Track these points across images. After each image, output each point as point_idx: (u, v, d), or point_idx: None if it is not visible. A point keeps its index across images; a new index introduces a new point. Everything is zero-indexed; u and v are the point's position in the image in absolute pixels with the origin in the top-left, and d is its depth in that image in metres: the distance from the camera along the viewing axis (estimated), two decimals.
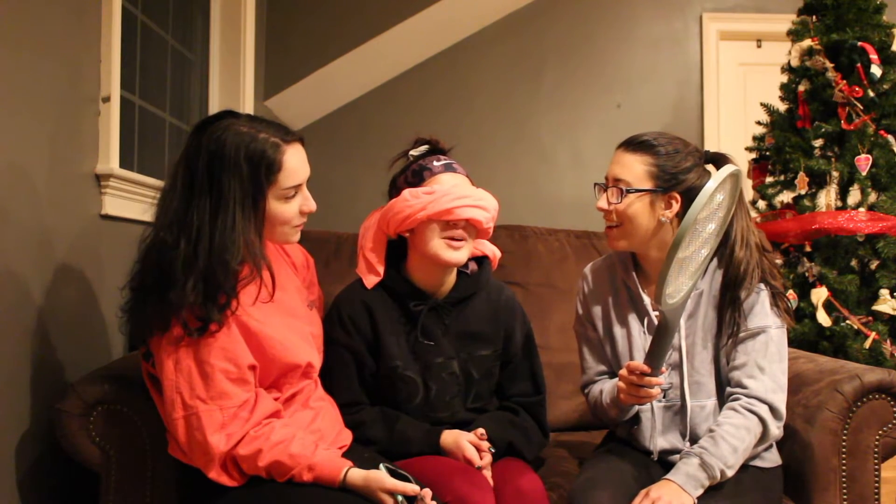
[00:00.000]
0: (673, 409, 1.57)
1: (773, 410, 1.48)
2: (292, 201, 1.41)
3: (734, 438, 1.44)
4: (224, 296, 1.32)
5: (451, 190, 1.54)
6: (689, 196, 1.51)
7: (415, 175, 1.60)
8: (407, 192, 1.56)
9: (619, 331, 1.63)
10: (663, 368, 1.46)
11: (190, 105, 2.79)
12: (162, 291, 1.30)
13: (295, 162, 1.40)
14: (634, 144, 1.56)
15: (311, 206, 1.45)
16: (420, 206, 1.53)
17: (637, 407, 1.59)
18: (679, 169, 1.53)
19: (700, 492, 1.41)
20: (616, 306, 1.65)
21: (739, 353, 1.52)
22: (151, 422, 1.46)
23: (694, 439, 1.53)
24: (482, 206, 1.55)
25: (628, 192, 1.52)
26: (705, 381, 1.55)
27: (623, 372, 1.48)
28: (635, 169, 1.53)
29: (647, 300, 1.59)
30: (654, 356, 1.40)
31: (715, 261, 1.57)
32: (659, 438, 1.58)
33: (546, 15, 3.71)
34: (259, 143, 1.36)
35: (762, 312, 1.52)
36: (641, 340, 1.59)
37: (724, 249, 1.53)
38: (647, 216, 1.53)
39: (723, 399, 1.55)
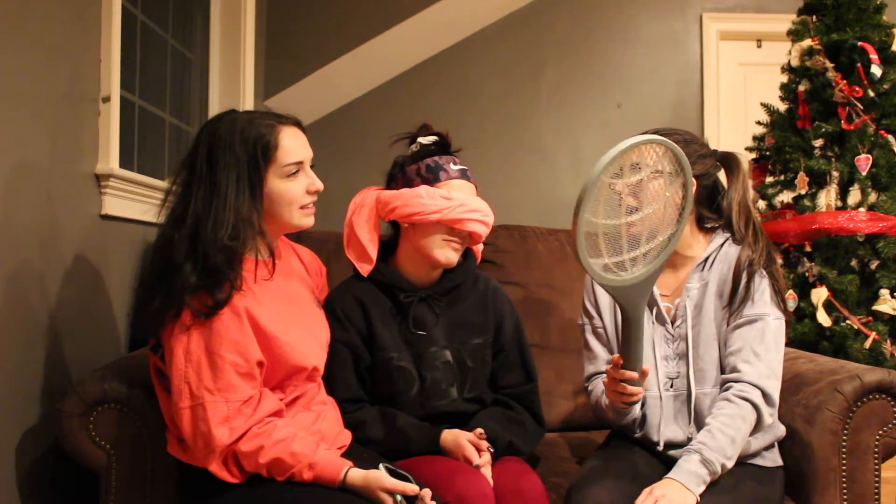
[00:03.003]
0: (680, 397, 1.59)
1: (766, 396, 1.49)
2: (296, 180, 1.44)
3: (730, 429, 1.45)
4: (225, 275, 1.34)
5: (466, 201, 1.60)
6: (703, 181, 1.60)
7: (429, 171, 1.62)
8: (423, 190, 1.59)
9: None
10: (646, 369, 1.46)
11: (190, 105, 2.79)
12: (166, 280, 1.33)
13: (292, 140, 1.44)
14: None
15: (318, 185, 1.48)
16: (435, 208, 1.57)
17: (637, 410, 1.60)
18: (694, 155, 1.59)
19: (702, 488, 1.41)
20: None
21: (736, 338, 1.54)
22: (151, 422, 1.46)
23: (700, 426, 1.55)
24: (487, 222, 1.63)
25: None
26: (708, 368, 1.57)
27: (608, 367, 1.51)
28: None
29: (656, 290, 1.62)
30: (624, 347, 1.41)
31: (724, 249, 1.60)
32: (665, 428, 1.58)
33: (546, 15, 3.71)
34: (254, 125, 1.41)
35: (762, 301, 1.54)
36: (650, 329, 1.61)
37: (735, 230, 1.59)
38: None
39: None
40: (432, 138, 1.68)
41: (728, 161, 1.64)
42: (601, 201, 1.31)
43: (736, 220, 1.59)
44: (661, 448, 1.59)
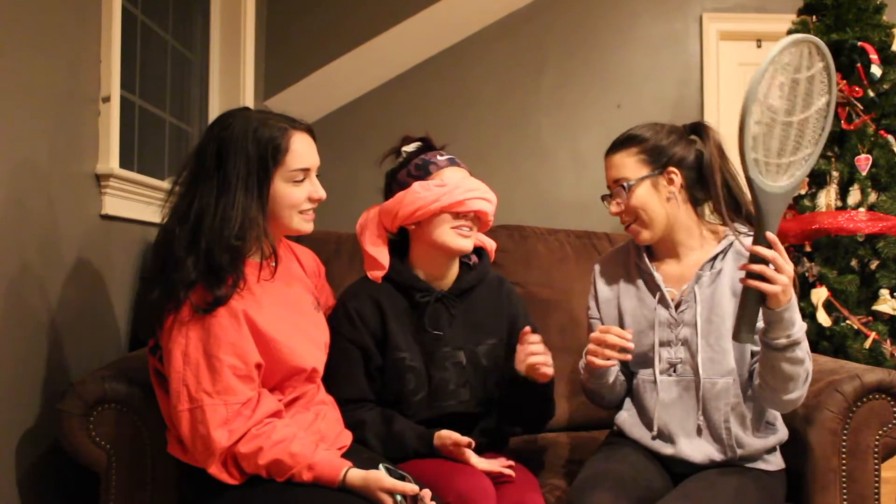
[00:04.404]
0: (683, 383, 1.58)
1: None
2: (301, 186, 1.45)
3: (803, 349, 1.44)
4: (227, 274, 1.34)
5: (461, 182, 1.61)
6: (684, 166, 1.60)
7: (419, 168, 1.64)
8: (417, 185, 1.61)
9: (628, 306, 1.67)
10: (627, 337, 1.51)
11: (190, 105, 2.79)
12: (166, 273, 1.33)
13: (302, 146, 1.44)
14: (617, 144, 1.64)
15: (321, 193, 1.48)
16: (433, 197, 1.58)
17: (609, 377, 1.61)
18: (664, 145, 1.60)
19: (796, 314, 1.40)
20: (627, 285, 1.69)
21: None
22: (151, 422, 1.46)
23: (707, 415, 1.55)
24: (488, 198, 1.64)
25: (630, 185, 1.59)
26: (720, 358, 1.56)
27: (595, 333, 1.53)
28: (627, 163, 1.61)
29: (658, 276, 1.63)
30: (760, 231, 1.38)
31: (735, 245, 1.59)
32: (664, 415, 1.58)
33: (546, 15, 3.71)
34: (267, 127, 1.41)
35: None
36: (652, 315, 1.62)
37: (716, 200, 1.59)
38: (656, 199, 1.60)
39: (740, 379, 1.55)
40: (416, 144, 1.69)
41: (697, 130, 1.65)
42: (771, 88, 1.32)
43: (713, 186, 1.59)
44: (654, 434, 1.59)
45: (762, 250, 1.34)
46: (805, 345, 1.44)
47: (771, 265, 1.35)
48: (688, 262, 1.63)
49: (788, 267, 1.35)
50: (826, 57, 1.35)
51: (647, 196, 1.59)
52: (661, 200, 1.60)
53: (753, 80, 1.30)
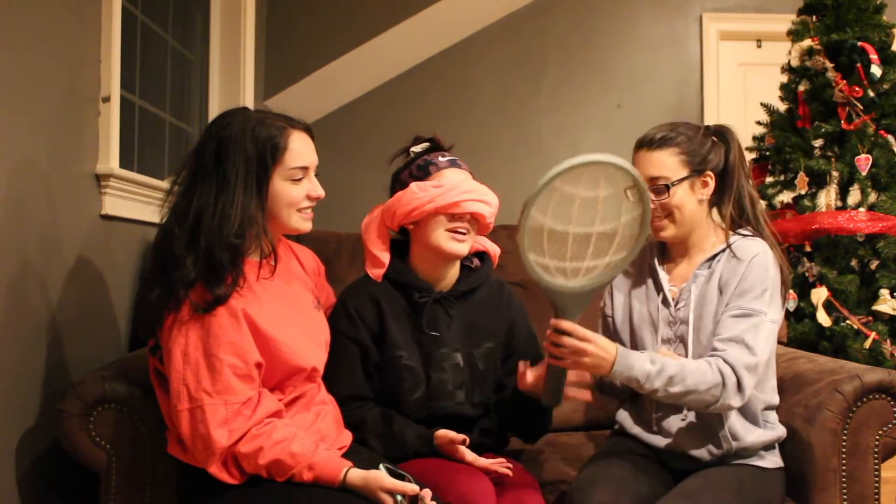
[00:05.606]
0: None
1: (740, 385, 1.46)
2: (300, 184, 1.45)
3: (689, 371, 1.44)
4: (227, 272, 1.34)
5: (458, 184, 1.60)
6: (716, 172, 1.62)
7: (420, 169, 1.64)
8: (414, 185, 1.61)
9: (637, 305, 1.68)
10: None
11: (190, 105, 2.79)
12: (166, 272, 1.34)
13: (301, 145, 1.45)
14: (657, 142, 1.61)
15: (319, 191, 1.48)
16: (428, 198, 1.58)
17: None
18: (704, 150, 1.61)
19: (621, 373, 1.43)
20: (639, 284, 1.70)
21: (728, 326, 1.51)
22: (151, 422, 1.46)
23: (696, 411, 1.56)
24: (486, 200, 1.62)
25: (672, 185, 1.59)
26: (707, 353, 1.55)
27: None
28: (668, 163, 1.60)
29: (662, 275, 1.65)
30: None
31: (736, 243, 1.59)
32: (661, 410, 1.60)
33: (546, 15, 3.71)
34: (265, 126, 1.42)
35: (762, 298, 1.52)
36: (656, 313, 1.63)
37: (741, 211, 1.62)
38: (691, 200, 1.61)
39: None
40: (424, 145, 1.70)
41: (722, 134, 1.65)
42: (552, 203, 1.37)
43: (729, 190, 1.61)
44: (654, 429, 1.60)
45: (557, 336, 1.40)
46: (676, 386, 1.43)
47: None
48: (694, 262, 1.64)
49: (587, 346, 1.40)
50: (636, 179, 1.35)
51: (685, 197, 1.60)
52: (694, 201, 1.61)
53: (532, 193, 1.35)
